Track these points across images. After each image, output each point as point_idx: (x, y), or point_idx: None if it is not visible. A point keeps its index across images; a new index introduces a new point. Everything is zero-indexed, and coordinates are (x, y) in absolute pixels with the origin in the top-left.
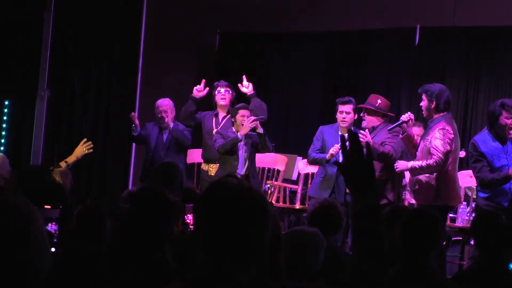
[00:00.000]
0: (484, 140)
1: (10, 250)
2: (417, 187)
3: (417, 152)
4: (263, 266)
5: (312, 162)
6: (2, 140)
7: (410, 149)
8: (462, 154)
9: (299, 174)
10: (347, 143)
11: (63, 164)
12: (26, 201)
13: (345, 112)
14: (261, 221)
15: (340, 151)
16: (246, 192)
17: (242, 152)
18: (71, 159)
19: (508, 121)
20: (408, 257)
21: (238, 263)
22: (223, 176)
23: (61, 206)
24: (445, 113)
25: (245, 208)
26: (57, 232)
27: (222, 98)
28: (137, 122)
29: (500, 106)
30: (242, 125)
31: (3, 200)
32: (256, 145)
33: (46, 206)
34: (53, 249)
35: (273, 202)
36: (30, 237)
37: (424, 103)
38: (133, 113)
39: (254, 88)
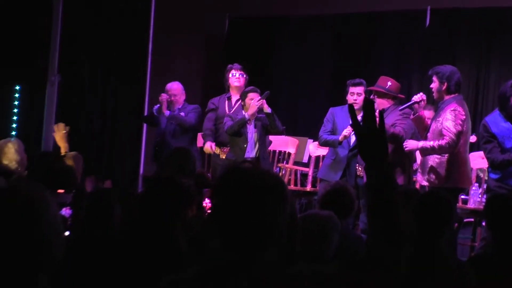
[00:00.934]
0: (495, 121)
1: (24, 235)
2: (428, 168)
3: (428, 134)
4: (281, 251)
5: (323, 144)
6: (13, 125)
7: (420, 131)
8: (473, 139)
9: (310, 156)
10: (361, 114)
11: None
12: (39, 186)
13: (356, 94)
14: (279, 205)
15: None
16: (263, 177)
17: (251, 135)
18: (64, 147)
19: None
20: (420, 240)
21: (256, 249)
22: (238, 162)
23: (74, 191)
24: (456, 94)
25: (262, 193)
26: (71, 216)
27: (236, 79)
28: (164, 104)
29: (511, 87)
30: None
31: (17, 186)
32: (266, 126)
33: (59, 191)
34: (67, 233)
35: None
36: (43, 221)
37: (434, 85)
38: (163, 94)
39: (263, 72)
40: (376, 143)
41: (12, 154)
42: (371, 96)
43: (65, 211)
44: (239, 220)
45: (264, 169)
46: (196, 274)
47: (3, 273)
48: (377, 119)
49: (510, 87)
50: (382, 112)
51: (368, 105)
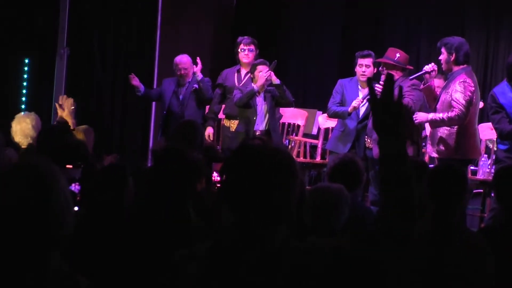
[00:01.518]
0: (503, 91)
1: (34, 210)
2: (438, 140)
3: (437, 105)
4: (291, 226)
5: (332, 115)
6: (23, 99)
7: (429, 101)
8: (480, 105)
9: (319, 128)
10: (379, 86)
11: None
12: (48, 161)
13: (364, 66)
14: (288, 183)
15: (367, 97)
16: (272, 154)
17: (261, 107)
18: (72, 124)
19: None
20: (437, 214)
21: (267, 224)
22: (248, 137)
23: (82, 166)
24: (465, 65)
25: (272, 170)
26: (80, 192)
27: (245, 55)
28: (134, 83)
29: None
30: None
31: (27, 160)
32: (276, 98)
33: (68, 166)
34: (76, 208)
35: (294, 157)
36: (53, 197)
37: (443, 56)
38: (131, 75)
39: (272, 44)
40: (393, 116)
41: (29, 130)
42: (380, 68)
43: (74, 187)
44: (249, 197)
45: (273, 146)
46: (209, 250)
47: (16, 248)
48: (396, 93)
49: None
50: (401, 89)
51: (388, 79)
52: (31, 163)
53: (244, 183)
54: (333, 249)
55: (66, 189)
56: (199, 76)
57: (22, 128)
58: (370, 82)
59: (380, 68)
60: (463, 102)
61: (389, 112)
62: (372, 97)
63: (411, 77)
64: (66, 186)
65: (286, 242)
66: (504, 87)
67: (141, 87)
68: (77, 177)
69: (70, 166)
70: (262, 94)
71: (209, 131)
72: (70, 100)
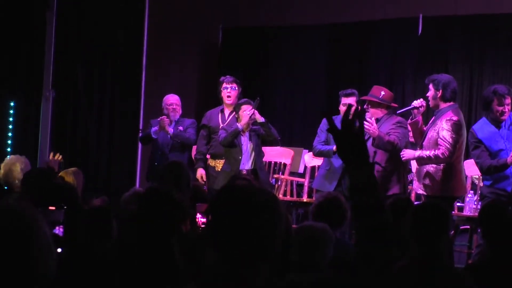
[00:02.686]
0: (481, 127)
1: (15, 255)
2: (425, 177)
3: (423, 142)
4: (275, 265)
5: (318, 154)
6: (9, 142)
7: (416, 136)
8: None
9: (305, 167)
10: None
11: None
12: (29, 205)
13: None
14: (273, 223)
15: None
16: (256, 194)
17: (246, 146)
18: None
19: (499, 108)
20: (420, 248)
21: (250, 264)
22: (233, 178)
23: (65, 207)
24: (452, 103)
25: (256, 210)
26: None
27: (227, 97)
28: (167, 128)
29: (493, 93)
30: None
31: (7, 206)
32: (262, 136)
33: (50, 208)
34: (59, 250)
35: (281, 195)
36: (35, 241)
37: (430, 93)
38: (164, 118)
39: (258, 83)
40: (355, 143)
41: (17, 173)
42: (365, 106)
43: (58, 230)
44: (234, 236)
45: (258, 187)
46: None
47: None
48: (357, 123)
49: (492, 92)
50: (361, 114)
51: (358, 113)
52: (9, 207)
53: (229, 223)
54: (312, 284)
55: (48, 233)
56: (170, 131)
57: (12, 171)
58: (330, 117)
59: (365, 106)
60: (450, 140)
61: (351, 140)
62: (331, 127)
63: (398, 111)
64: (47, 229)
65: (269, 282)
66: (482, 122)
67: (153, 130)
68: (61, 219)
69: (53, 208)
70: (247, 134)
71: (200, 172)
72: (58, 156)
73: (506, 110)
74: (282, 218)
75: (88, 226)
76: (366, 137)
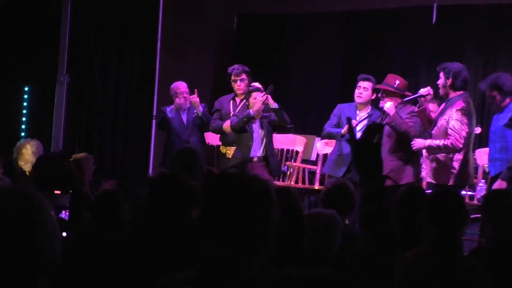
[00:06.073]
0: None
1: (20, 238)
2: (433, 165)
3: (432, 131)
4: (270, 254)
5: (326, 135)
6: (23, 126)
7: (424, 124)
8: (478, 130)
9: (317, 154)
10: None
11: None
12: (34, 189)
13: (362, 88)
14: (266, 211)
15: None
16: (250, 183)
17: (258, 133)
18: None
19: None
20: (438, 238)
21: (245, 252)
22: (243, 162)
23: (71, 191)
24: (462, 92)
25: (249, 199)
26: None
27: (238, 88)
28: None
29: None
30: None
31: (12, 190)
32: (274, 122)
33: (56, 192)
34: (64, 234)
35: (293, 183)
36: (39, 225)
37: (440, 81)
38: (195, 96)
39: (273, 71)
40: (371, 156)
41: (28, 156)
42: (379, 94)
43: (65, 214)
44: (227, 225)
45: (252, 175)
46: (188, 278)
47: (2, 275)
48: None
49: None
50: (380, 128)
51: (374, 126)
52: (14, 190)
53: (222, 211)
54: (307, 277)
55: (53, 217)
56: (201, 109)
57: (23, 154)
58: (350, 124)
59: (379, 95)
60: (460, 130)
61: (368, 152)
62: (351, 138)
63: (405, 99)
64: (51, 212)
65: (263, 271)
66: None
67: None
68: (67, 204)
69: (59, 192)
70: (258, 121)
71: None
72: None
73: None
74: (276, 206)
75: (96, 211)
76: (383, 121)
